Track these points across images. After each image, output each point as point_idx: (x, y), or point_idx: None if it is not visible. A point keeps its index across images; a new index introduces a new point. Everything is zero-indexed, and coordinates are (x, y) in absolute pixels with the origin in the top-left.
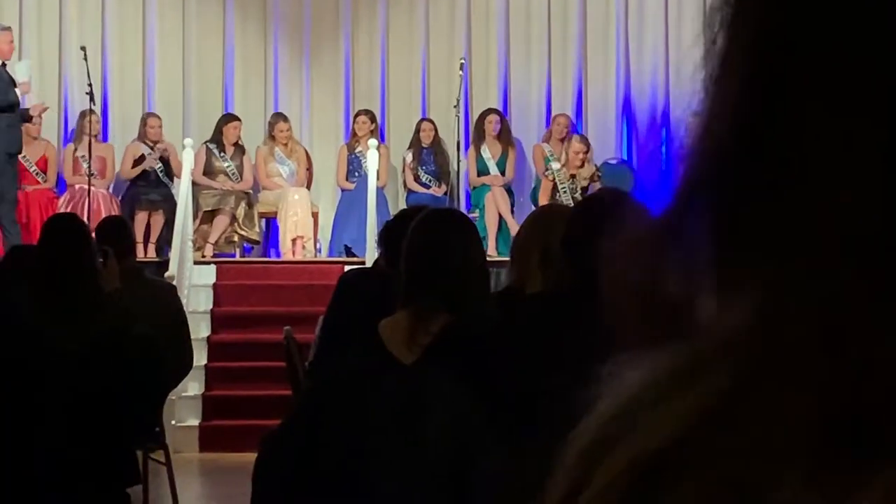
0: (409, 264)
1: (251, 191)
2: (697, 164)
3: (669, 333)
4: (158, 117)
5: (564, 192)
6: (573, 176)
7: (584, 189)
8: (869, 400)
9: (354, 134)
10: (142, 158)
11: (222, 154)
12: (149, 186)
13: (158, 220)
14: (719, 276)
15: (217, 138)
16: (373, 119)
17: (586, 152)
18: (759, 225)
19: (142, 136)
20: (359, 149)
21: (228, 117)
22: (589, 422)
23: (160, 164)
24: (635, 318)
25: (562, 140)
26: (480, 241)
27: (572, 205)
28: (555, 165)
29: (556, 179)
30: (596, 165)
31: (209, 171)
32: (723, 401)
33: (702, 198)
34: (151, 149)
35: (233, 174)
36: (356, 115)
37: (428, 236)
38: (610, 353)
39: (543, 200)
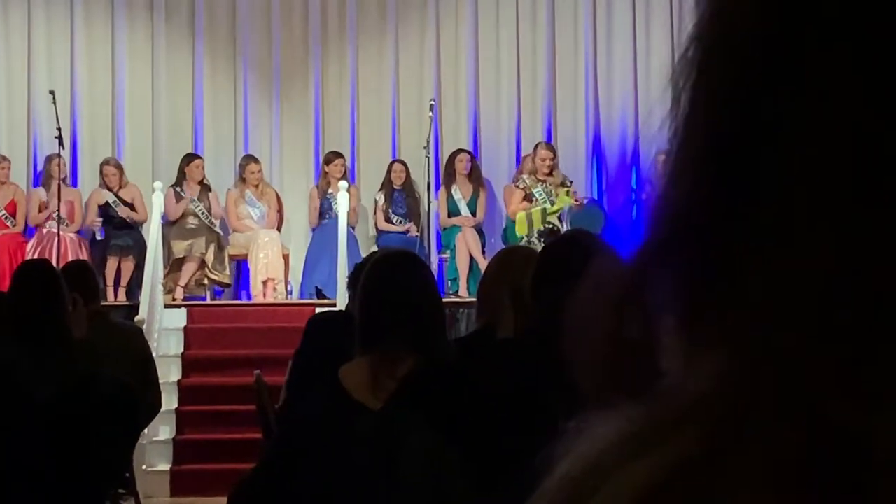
0: (366, 310)
1: (220, 232)
2: (663, 223)
3: (636, 389)
4: (114, 165)
5: (540, 195)
6: (542, 181)
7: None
8: (832, 463)
9: (325, 175)
10: (106, 205)
11: (190, 196)
12: (119, 231)
13: (129, 265)
14: (686, 336)
15: (181, 180)
16: (344, 161)
17: (553, 158)
18: (725, 287)
19: (103, 184)
20: (330, 191)
21: (190, 157)
22: (552, 482)
23: (126, 210)
24: (601, 372)
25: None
26: (435, 281)
27: (548, 208)
28: (524, 176)
29: (530, 189)
30: (564, 175)
31: (180, 214)
32: (690, 461)
33: (668, 258)
34: (115, 194)
35: (202, 214)
36: (331, 158)
37: (383, 281)
38: (578, 404)
39: (516, 208)
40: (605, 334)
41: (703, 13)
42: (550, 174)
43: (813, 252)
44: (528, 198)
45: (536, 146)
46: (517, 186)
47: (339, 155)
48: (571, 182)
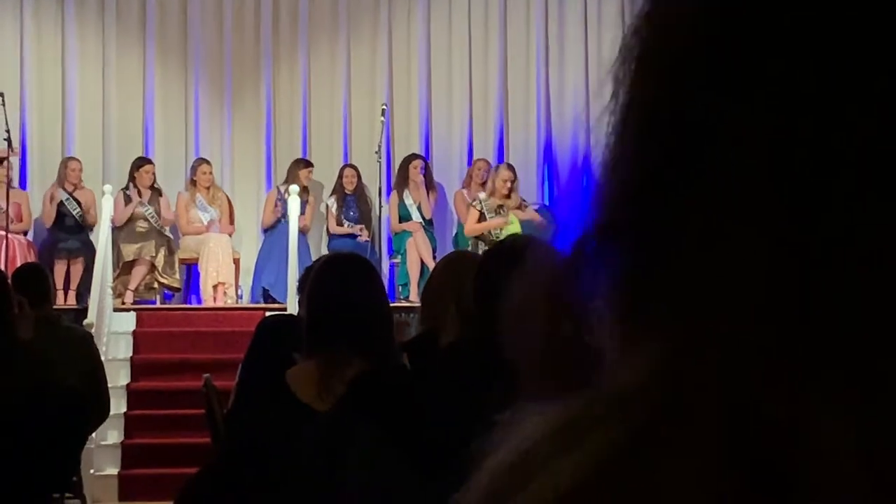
0: (313, 312)
1: (171, 236)
2: (598, 214)
3: (572, 381)
4: (78, 161)
5: (492, 218)
6: (500, 206)
7: None
8: (759, 458)
9: (295, 180)
10: (61, 204)
11: (139, 199)
12: (68, 234)
13: (78, 267)
14: (618, 329)
15: (131, 184)
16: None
17: (513, 181)
18: (656, 282)
19: (61, 181)
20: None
21: (140, 161)
22: (483, 473)
23: (78, 210)
24: (537, 364)
25: (482, 184)
26: (382, 284)
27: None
28: (481, 195)
29: (483, 209)
30: (522, 198)
31: (128, 218)
32: (618, 454)
33: (602, 248)
34: (70, 194)
35: (152, 217)
36: (303, 166)
37: (330, 284)
38: (515, 399)
39: (472, 228)
40: (540, 327)
41: (641, 6)
42: (509, 196)
43: (746, 244)
44: (482, 217)
45: (498, 167)
46: (473, 206)
47: (311, 164)
48: (528, 205)
